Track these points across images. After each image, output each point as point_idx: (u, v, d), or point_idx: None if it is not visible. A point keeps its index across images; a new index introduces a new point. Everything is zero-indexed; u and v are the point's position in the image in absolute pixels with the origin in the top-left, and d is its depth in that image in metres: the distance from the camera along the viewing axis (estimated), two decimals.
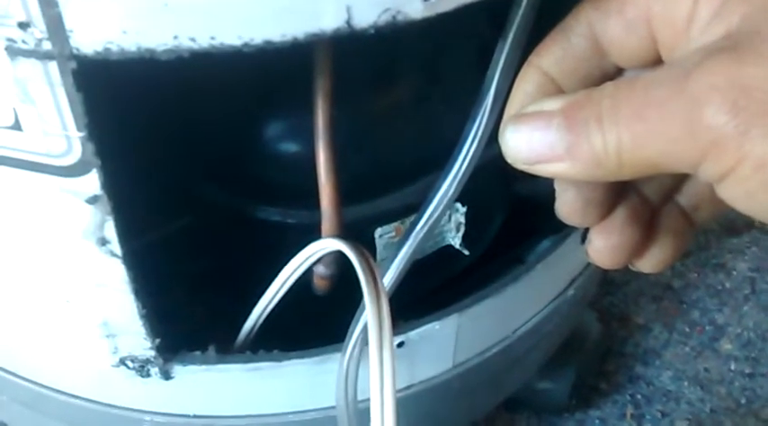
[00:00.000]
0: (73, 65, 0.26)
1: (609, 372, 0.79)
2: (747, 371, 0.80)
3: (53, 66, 0.27)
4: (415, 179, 0.44)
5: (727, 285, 0.87)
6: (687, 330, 0.83)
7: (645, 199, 0.32)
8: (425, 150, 0.43)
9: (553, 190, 0.31)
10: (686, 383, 0.79)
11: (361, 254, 0.36)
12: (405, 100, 0.43)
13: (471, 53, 0.43)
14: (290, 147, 0.42)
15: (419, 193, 0.43)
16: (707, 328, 0.83)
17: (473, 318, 0.45)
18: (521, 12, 0.34)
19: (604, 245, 0.31)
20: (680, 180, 0.32)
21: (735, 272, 0.88)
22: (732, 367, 0.80)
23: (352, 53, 0.34)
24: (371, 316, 0.34)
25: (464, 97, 0.40)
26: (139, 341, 0.39)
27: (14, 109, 0.29)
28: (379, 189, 0.44)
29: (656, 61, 0.28)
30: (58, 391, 0.43)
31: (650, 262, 0.32)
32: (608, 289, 0.86)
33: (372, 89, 0.41)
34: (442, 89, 0.44)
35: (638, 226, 0.31)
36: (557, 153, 0.26)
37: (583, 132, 0.25)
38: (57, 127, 0.29)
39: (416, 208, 0.43)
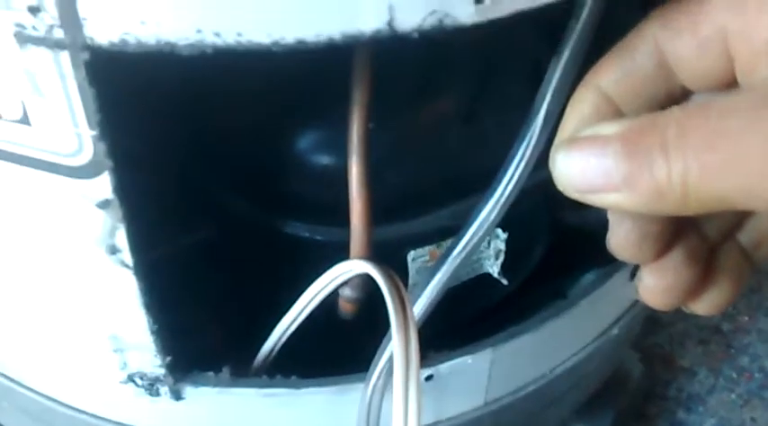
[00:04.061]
0: (86, 56, 0.24)
1: (649, 416, 0.76)
2: None
3: (65, 56, 0.25)
4: (454, 201, 0.42)
5: None
6: (734, 376, 0.79)
7: (704, 236, 0.30)
8: (467, 171, 0.40)
9: (602, 220, 0.29)
10: None
11: (390, 279, 0.33)
12: (447, 116, 0.40)
13: (522, 69, 0.41)
14: (323, 160, 0.39)
15: (457, 216, 0.41)
16: (756, 375, 0.79)
17: (509, 354, 0.42)
18: (579, 26, 0.31)
19: (657, 285, 0.29)
20: (743, 216, 0.30)
21: None
22: None
23: (394, 63, 0.31)
24: (398, 348, 0.31)
25: (511, 116, 0.37)
26: (150, 358, 0.36)
27: (23, 101, 0.27)
28: (414, 209, 0.41)
29: (730, 84, 0.26)
30: (62, 404, 0.41)
31: (705, 305, 0.30)
32: (652, 329, 0.82)
33: (413, 103, 0.39)
34: (489, 107, 0.41)
35: (695, 265, 0.29)
36: (613, 182, 0.23)
37: (644, 161, 0.23)
38: (67, 123, 0.27)
39: (454, 231, 0.40)
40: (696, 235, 0.29)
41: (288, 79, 0.33)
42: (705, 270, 0.29)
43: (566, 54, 0.32)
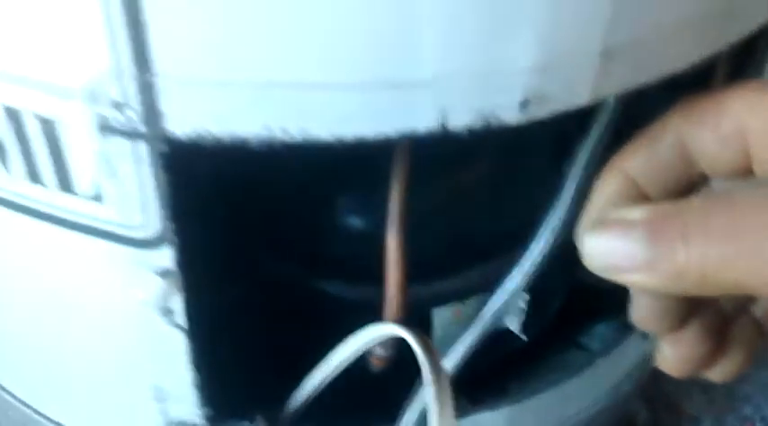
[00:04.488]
0: (163, 147, 0.26)
1: None
2: None
3: (142, 146, 0.27)
4: (480, 262, 0.43)
5: None
6: (737, 424, 0.80)
7: (719, 310, 0.31)
8: (492, 236, 0.42)
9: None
10: None
11: (424, 344, 0.35)
12: (477, 187, 0.42)
13: (547, 145, 0.43)
14: (358, 225, 0.41)
15: (482, 276, 0.43)
16: (757, 425, 0.80)
17: (525, 410, 0.44)
18: (606, 113, 0.33)
19: (674, 356, 0.31)
20: None
21: None
22: None
23: (432, 146, 0.33)
24: (434, 413, 0.33)
25: (535, 187, 0.39)
26: (190, 408, 0.38)
27: (97, 181, 0.29)
28: (442, 270, 0.43)
29: (747, 172, 0.27)
30: None
31: (718, 373, 0.32)
32: (658, 376, 0.82)
33: (445, 175, 0.41)
34: (515, 178, 0.43)
35: (710, 338, 0.30)
36: (636, 264, 0.25)
37: (666, 247, 0.24)
38: (137, 202, 0.29)
39: (478, 289, 0.42)
40: (712, 309, 0.30)
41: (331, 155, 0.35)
42: (719, 342, 0.31)
43: (593, 137, 0.34)
